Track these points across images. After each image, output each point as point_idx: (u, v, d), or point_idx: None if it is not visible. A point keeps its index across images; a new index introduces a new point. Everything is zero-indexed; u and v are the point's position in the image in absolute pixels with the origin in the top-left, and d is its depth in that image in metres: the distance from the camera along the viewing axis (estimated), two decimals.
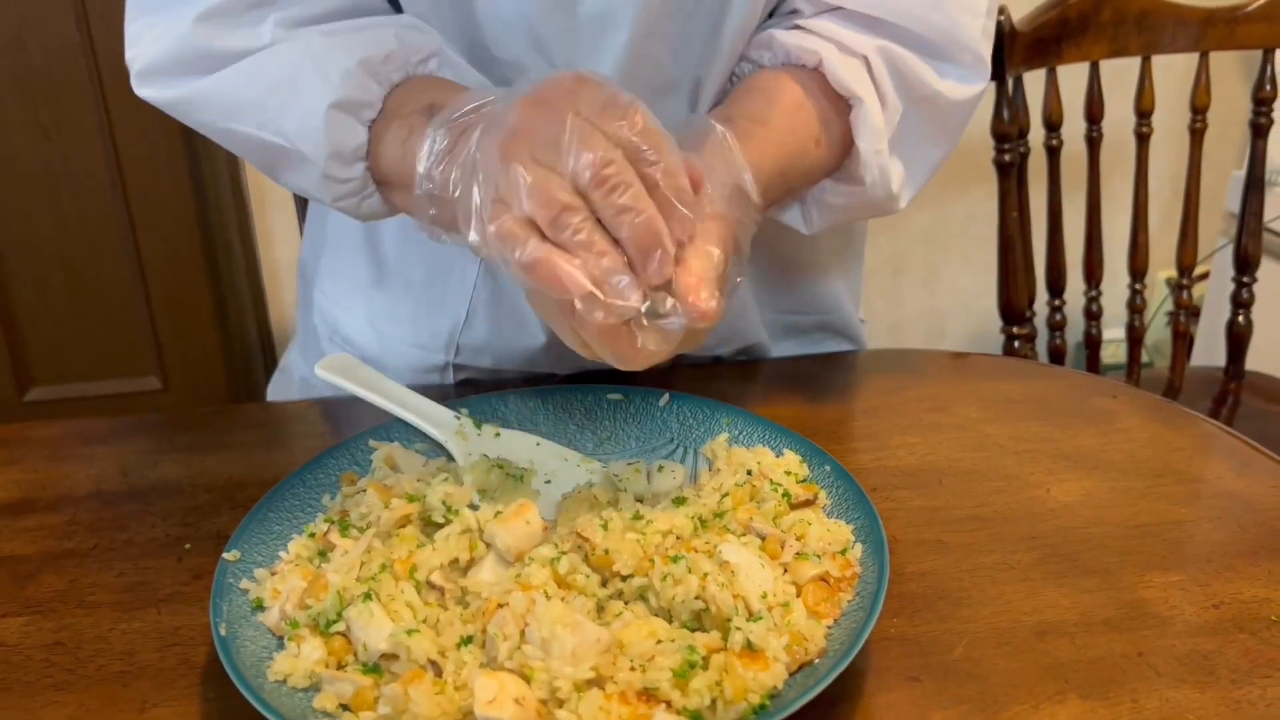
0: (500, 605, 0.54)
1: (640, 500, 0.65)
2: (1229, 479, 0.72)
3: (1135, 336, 1.50)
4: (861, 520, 0.62)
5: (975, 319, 2.32)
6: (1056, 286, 1.48)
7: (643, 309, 0.55)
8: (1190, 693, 0.54)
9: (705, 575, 0.55)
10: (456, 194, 0.61)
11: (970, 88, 0.76)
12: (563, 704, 0.50)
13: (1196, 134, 1.41)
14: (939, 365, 0.91)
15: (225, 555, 0.60)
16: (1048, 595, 0.61)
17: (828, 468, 0.67)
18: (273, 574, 0.60)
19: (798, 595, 0.57)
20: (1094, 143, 1.42)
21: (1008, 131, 1.36)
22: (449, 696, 0.51)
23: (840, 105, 0.74)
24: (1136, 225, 1.45)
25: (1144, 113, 1.40)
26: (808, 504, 0.64)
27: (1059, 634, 0.58)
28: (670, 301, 0.56)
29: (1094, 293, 1.48)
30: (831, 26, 0.74)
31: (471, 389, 0.88)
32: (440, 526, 0.61)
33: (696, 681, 0.50)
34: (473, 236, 0.58)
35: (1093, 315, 1.49)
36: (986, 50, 0.76)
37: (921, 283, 2.29)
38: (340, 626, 0.55)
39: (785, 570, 0.58)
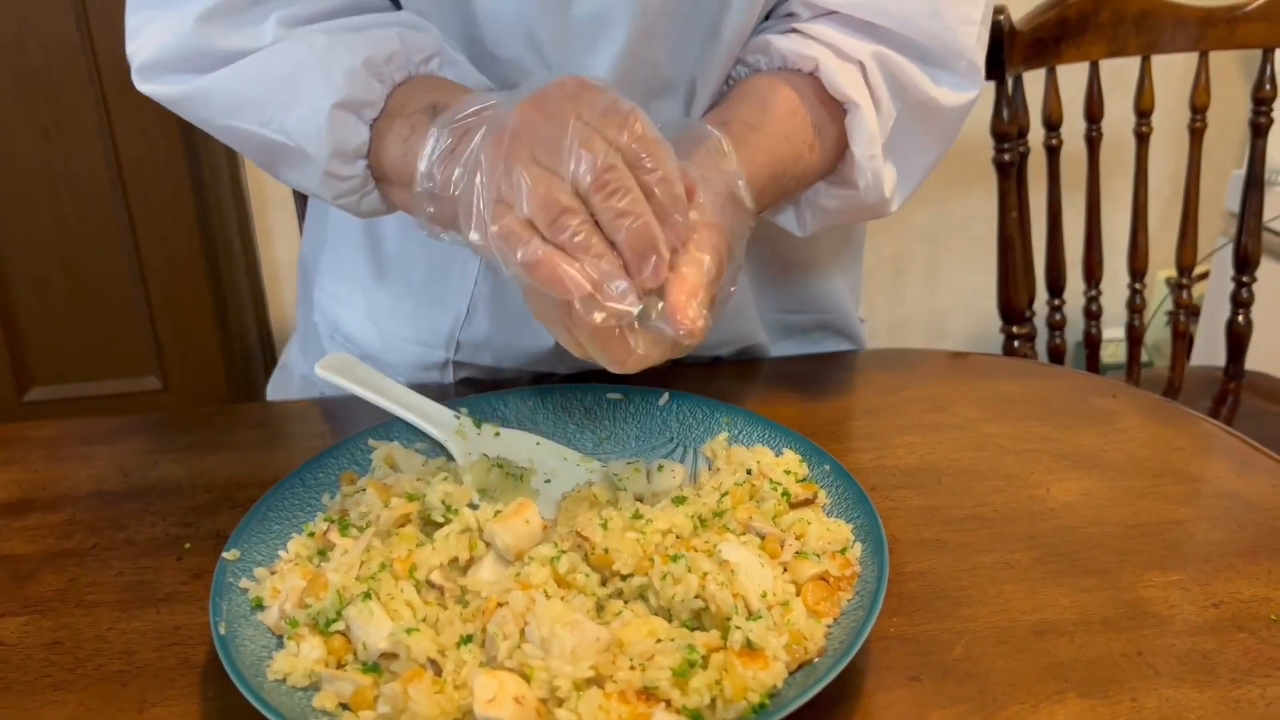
0: (500, 604, 0.54)
1: (640, 499, 0.65)
2: (1228, 478, 0.72)
3: (1135, 336, 1.50)
4: (861, 519, 0.62)
5: (975, 319, 2.32)
6: (1056, 286, 1.48)
7: (634, 312, 0.56)
8: (1190, 692, 0.54)
9: (705, 574, 0.55)
10: (457, 193, 0.62)
11: (964, 94, 0.77)
12: (562, 703, 0.50)
13: (1196, 133, 1.41)
14: (939, 365, 0.91)
15: (225, 554, 0.60)
16: (1047, 594, 0.61)
17: (827, 467, 0.67)
18: (272, 573, 0.60)
19: (797, 594, 0.57)
20: (1094, 142, 1.42)
21: (1007, 131, 1.36)
22: (448, 695, 0.51)
23: (835, 110, 0.74)
24: (1136, 225, 1.45)
25: (1143, 112, 1.40)
26: (807, 503, 0.64)
27: (1058, 633, 0.58)
28: (661, 304, 0.57)
29: (1094, 292, 1.48)
30: (828, 31, 0.74)
31: (471, 388, 0.88)
32: (440, 526, 0.61)
33: (696, 680, 0.50)
34: (474, 236, 0.59)
35: (1092, 315, 1.49)
36: (981, 57, 0.77)
37: (921, 282, 2.29)
38: (340, 625, 0.55)
39: (785, 569, 0.58)
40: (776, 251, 0.91)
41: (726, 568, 0.56)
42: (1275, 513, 0.68)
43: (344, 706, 0.52)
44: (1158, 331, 2.22)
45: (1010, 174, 1.38)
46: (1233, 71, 2.02)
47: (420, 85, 0.70)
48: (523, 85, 0.62)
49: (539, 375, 0.89)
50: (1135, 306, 1.49)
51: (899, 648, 0.57)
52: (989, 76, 1.29)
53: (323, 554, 0.61)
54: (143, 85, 0.74)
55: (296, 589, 0.57)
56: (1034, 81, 1.37)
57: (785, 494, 0.64)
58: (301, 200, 1.11)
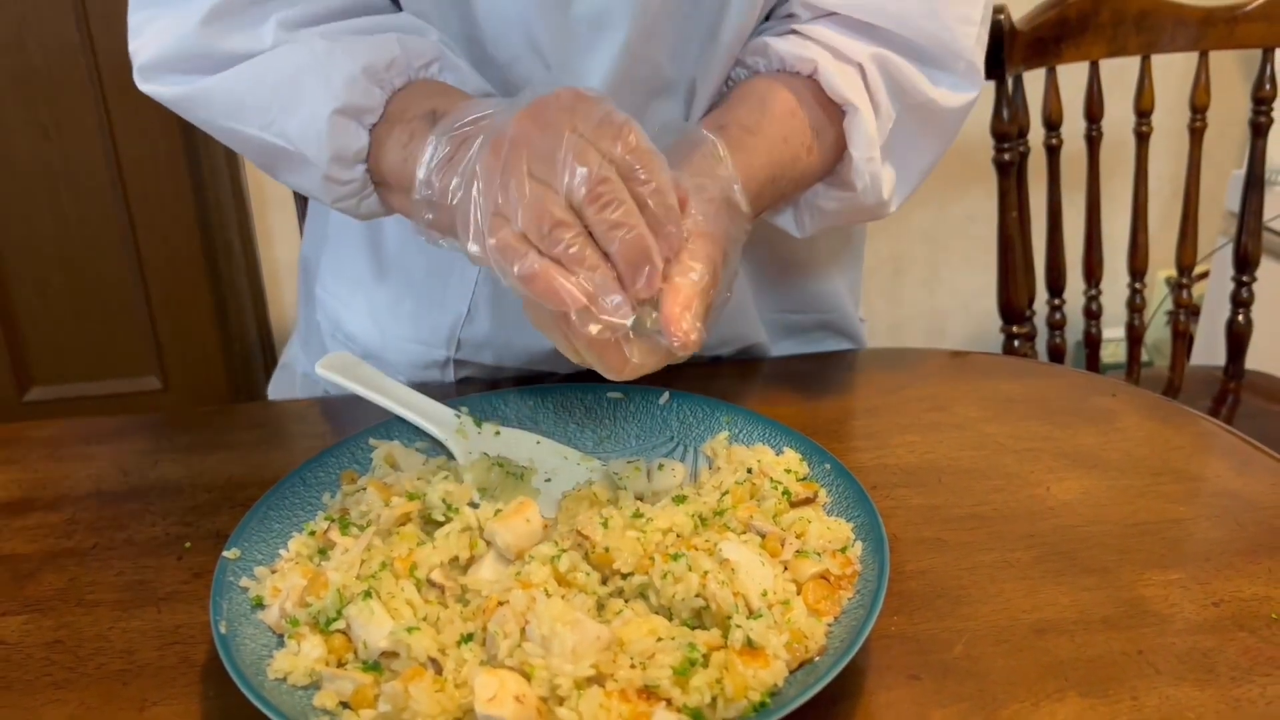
0: (500, 603, 0.54)
1: (640, 498, 0.65)
2: (1228, 477, 0.72)
3: (1135, 336, 1.50)
4: (861, 518, 0.62)
5: (975, 318, 2.32)
6: (1056, 286, 1.48)
7: (628, 324, 0.57)
8: (1190, 691, 0.54)
9: (705, 573, 0.55)
10: (454, 202, 0.63)
11: (963, 95, 0.77)
12: (563, 702, 0.50)
13: (1196, 133, 1.41)
14: (939, 364, 0.91)
15: (225, 553, 0.60)
16: (1047, 593, 0.61)
17: (827, 466, 0.67)
18: (273, 572, 0.60)
19: (798, 593, 0.57)
20: (1093, 142, 1.42)
21: (1007, 131, 1.36)
22: (449, 694, 0.51)
23: (833, 111, 0.74)
24: (1136, 224, 1.45)
25: (1143, 112, 1.40)
26: (808, 502, 0.64)
27: (1058, 632, 0.58)
28: (656, 315, 0.58)
29: (1094, 292, 1.48)
30: (827, 32, 0.74)
31: (472, 387, 0.88)
32: (440, 524, 0.61)
33: (697, 679, 0.50)
34: (473, 247, 0.60)
35: (1092, 314, 1.49)
36: (980, 58, 0.77)
37: (921, 282, 2.29)
38: (340, 624, 0.55)
39: (785, 568, 0.58)
40: (776, 252, 0.91)
41: (727, 566, 0.56)
42: (1275, 511, 0.68)
43: (344, 705, 0.52)
44: (1158, 331, 2.22)
45: (1010, 174, 1.38)
46: (1233, 71, 2.02)
47: (420, 90, 0.70)
48: (521, 93, 0.63)
49: (540, 374, 0.89)
50: (1135, 306, 1.49)
51: (899, 646, 0.57)
52: (989, 76, 1.29)
53: (323, 553, 0.61)
54: (144, 85, 0.74)
55: (297, 588, 0.57)
56: (1034, 81, 1.37)
57: (786, 493, 0.64)
58: (301, 200, 1.11)
